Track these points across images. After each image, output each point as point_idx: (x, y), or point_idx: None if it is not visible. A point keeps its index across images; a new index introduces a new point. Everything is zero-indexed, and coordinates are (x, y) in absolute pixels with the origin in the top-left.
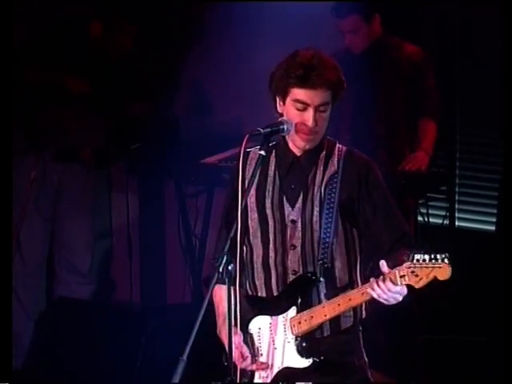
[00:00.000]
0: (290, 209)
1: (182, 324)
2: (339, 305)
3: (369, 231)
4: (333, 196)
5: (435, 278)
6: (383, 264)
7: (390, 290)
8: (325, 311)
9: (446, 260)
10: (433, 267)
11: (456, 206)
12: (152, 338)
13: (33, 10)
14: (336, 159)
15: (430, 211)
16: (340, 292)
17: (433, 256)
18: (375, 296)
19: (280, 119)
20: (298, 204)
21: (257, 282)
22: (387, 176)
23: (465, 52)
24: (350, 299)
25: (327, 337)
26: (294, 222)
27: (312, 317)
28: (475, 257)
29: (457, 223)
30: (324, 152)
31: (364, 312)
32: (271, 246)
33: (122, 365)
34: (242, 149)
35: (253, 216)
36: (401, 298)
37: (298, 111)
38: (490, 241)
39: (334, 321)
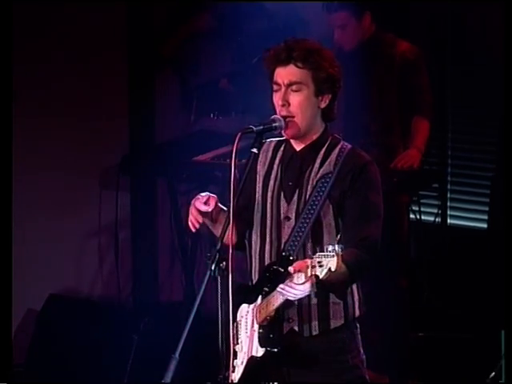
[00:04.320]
0: (286, 205)
1: (174, 322)
2: (276, 293)
3: (343, 221)
4: (321, 194)
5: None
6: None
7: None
8: (274, 300)
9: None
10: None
11: (448, 204)
12: (144, 335)
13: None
14: (334, 159)
15: (421, 209)
16: None
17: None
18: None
19: (272, 117)
20: (293, 201)
21: (253, 276)
22: (380, 173)
23: (456, 50)
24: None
25: (316, 336)
26: (288, 218)
27: (266, 305)
28: (467, 254)
29: (449, 221)
30: (324, 149)
31: (358, 310)
32: (267, 240)
33: (114, 362)
34: (235, 146)
35: (258, 210)
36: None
37: (275, 93)
38: (481, 238)
39: (323, 320)
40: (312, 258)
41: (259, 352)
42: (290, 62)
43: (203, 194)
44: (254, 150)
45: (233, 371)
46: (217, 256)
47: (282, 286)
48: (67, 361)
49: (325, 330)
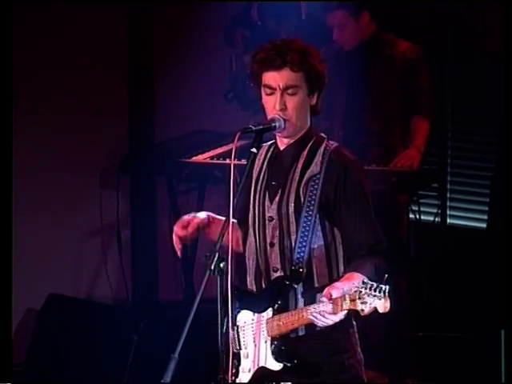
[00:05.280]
0: (269, 205)
1: (173, 322)
2: (303, 316)
3: (345, 231)
4: (313, 198)
5: (376, 310)
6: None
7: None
8: (292, 319)
9: (386, 293)
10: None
11: (447, 204)
12: (143, 335)
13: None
14: (320, 159)
15: (421, 208)
16: (319, 292)
17: (376, 286)
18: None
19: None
20: (276, 200)
21: (248, 278)
22: (379, 173)
23: (456, 49)
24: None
25: (302, 336)
26: (271, 218)
27: (283, 322)
28: (466, 254)
29: (448, 220)
30: (308, 148)
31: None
32: (257, 242)
33: (114, 362)
34: (234, 146)
35: (250, 210)
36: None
37: (268, 96)
38: (481, 238)
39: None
40: (351, 290)
41: (275, 366)
42: (285, 65)
43: (186, 216)
44: (254, 150)
45: (235, 375)
46: (216, 256)
47: (314, 313)
48: (67, 361)
49: (311, 332)
